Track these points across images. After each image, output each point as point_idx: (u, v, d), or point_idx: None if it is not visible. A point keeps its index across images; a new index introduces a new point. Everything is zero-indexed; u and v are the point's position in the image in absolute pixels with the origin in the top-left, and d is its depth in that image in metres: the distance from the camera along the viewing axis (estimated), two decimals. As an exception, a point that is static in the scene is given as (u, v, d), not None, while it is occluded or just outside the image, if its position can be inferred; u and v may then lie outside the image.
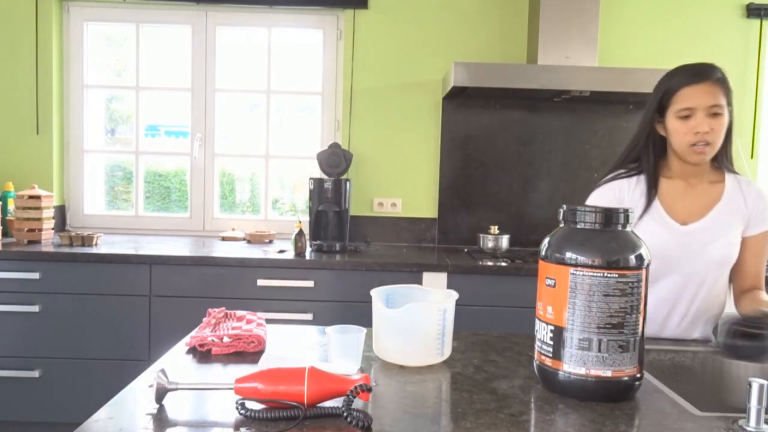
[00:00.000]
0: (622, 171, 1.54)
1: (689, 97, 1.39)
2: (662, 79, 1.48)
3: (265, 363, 1.11)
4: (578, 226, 1.04)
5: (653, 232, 1.45)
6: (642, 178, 1.51)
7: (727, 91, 1.40)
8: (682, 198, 1.48)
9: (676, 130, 1.41)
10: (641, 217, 1.48)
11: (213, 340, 1.24)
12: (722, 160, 1.49)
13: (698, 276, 1.47)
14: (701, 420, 0.95)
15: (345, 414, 0.88)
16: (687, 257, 1.46)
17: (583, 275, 0.99)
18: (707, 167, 1.49)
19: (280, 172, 3.30)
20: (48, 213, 2.75)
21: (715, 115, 1.38)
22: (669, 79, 1.45)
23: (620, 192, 1.52)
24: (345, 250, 2.77)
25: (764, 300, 1.44)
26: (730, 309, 1.60)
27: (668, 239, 1.45)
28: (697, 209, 1.48)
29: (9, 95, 3.05)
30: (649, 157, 1.49)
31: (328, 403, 0.93)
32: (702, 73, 1.39)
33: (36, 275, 2.47)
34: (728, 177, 1.50)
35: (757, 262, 1.51)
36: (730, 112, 1.42)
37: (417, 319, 1.16)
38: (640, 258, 1.00)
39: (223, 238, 3.02)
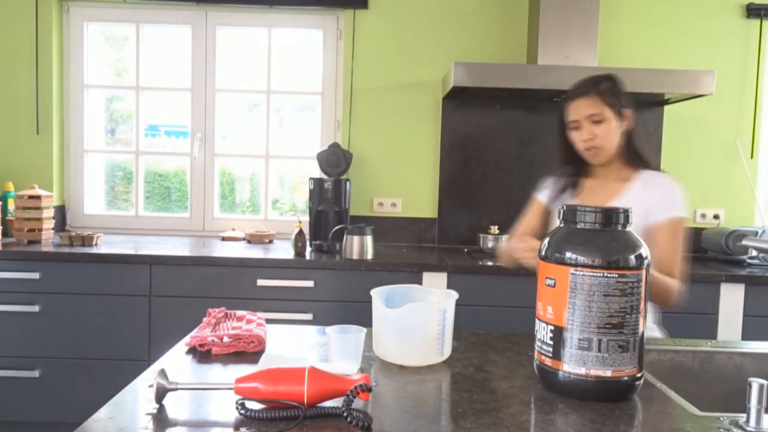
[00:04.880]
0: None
1: (572, 111, 1.59)
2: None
3: (265, 363, 1.11)
4: (578, 226, 1.04)
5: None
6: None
7: (612, 100, 1.56)
8: (591, 195, 1.65)
9: (572, 139, 1.63)
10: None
11: (213, 340, 1.24)
12: (630, 159, 1.61)
13: None
14: (701, 420, 0.95)
15: (345, 414, 0.88)
16: None
17: (583, 275, 0.99)
18: (618, 166, 1.63)
19: (280, 172, 3.30)
20: (48, 213, 2.75)
21: (597, 122, 1.55)
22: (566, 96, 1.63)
23: (551, 189, 1.75)
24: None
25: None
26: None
27: None
28: (598, 203, 1.59)
29: (9, 95, 3.05)
30: (566, 163, 1.70)
31: (328, 403, 0.93)
32: (581, 88, 1.59)
33: (36, 275, 2.47)
34: (640, 174, 1.61)
35: (666, 250, 1.52)
36: (624, 115, 1.58)
37: (417, 319, 1.16)
38: (640, 258, 1.00)
39: (223, 238, 3.02)
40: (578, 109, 1.57)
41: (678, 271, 1.52)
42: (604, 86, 1.57)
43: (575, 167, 1.69)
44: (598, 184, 1.65)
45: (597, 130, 1.55)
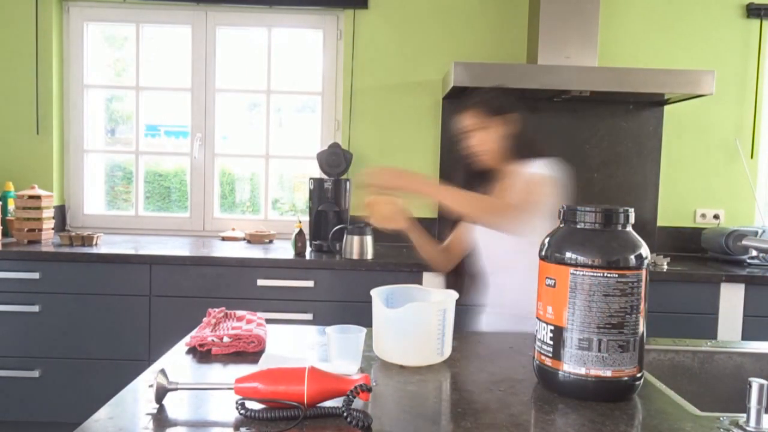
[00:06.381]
0: None
1: (459, 122, 1.75)
2: None
3: (265, 363, 1.11)
4: (578, 226, 1.04)
5: (482, 232, 1.74)
6: None
7: (484, 110, 1.70)
8: (504, 194, 1.75)
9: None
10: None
11: (213, 340, 1.24)
12: (510, 161, 1.72)
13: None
14: (701, 420, 0.95)
15: (345, 414, 0.88)
16: (511, 246, 1.61)
17: (583, 275, 0.99)
18: (507, 171, 1.73)
19: (280, 172, 3.30)
20: (48, 213, 2.75)
21: (470, 132, 1.72)
22: None
23: None
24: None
25: None
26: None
27: (490, 234, 1.65)
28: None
29: (9, 95, 3.05)
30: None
31: (328, 403, 0.93)
32: (463, 104, 1.75)
33: (36, 275, 2.47)
34: (516, 165, 1.72)
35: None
36: (497, 123, 1.69)
37: (417, 319, 1.16)
38: (640, 258, 1.00)
39: (223, 238, 3.02)
40: (460, 122, 1.74)
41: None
42: (478, 99, 1.73)
43: (478, 175, 1.79)
44: (508, 185, 1.74)
45: (471, 140, 1.72)
